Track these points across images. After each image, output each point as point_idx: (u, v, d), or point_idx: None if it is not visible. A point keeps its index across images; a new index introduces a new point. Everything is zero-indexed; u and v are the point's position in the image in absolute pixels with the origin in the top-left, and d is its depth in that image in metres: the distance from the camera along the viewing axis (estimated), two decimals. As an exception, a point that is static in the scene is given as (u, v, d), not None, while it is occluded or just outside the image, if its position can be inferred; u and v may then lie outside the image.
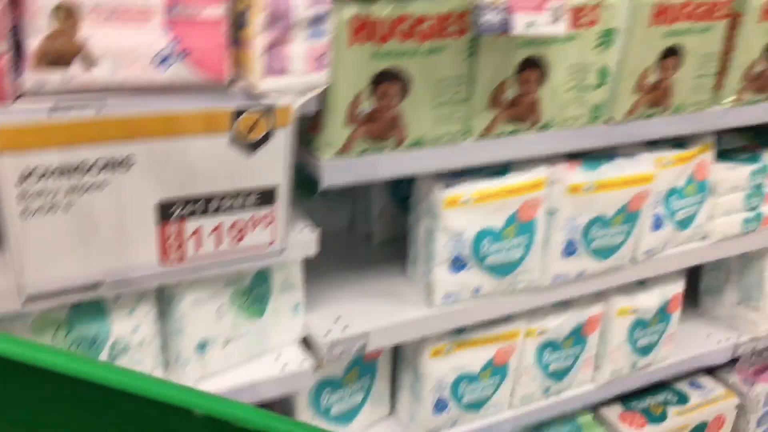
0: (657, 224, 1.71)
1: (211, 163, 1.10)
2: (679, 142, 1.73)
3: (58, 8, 0.93)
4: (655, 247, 1.74)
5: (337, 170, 1.24)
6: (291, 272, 1.38)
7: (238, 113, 1.07)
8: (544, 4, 1.19)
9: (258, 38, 1.04)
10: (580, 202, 1.53)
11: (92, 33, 0.96)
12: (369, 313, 1.47)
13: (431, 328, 1.51)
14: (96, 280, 1.11)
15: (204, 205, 1.14)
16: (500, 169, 1.49)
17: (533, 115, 1.40)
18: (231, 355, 1.33)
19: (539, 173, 1.49)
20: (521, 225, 1.49)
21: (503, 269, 1.51)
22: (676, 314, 1.93)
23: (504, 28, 1.16)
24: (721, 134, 1.95)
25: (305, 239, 1.29)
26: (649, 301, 1.86)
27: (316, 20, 1.07)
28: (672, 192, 1.71)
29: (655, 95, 1.52)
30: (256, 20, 1.03)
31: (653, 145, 1.69)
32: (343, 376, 1.57)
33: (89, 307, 1.17)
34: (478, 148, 1.37)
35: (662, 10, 1.43)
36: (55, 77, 0.95)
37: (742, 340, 2.11)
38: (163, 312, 1.25)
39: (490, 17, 1.14)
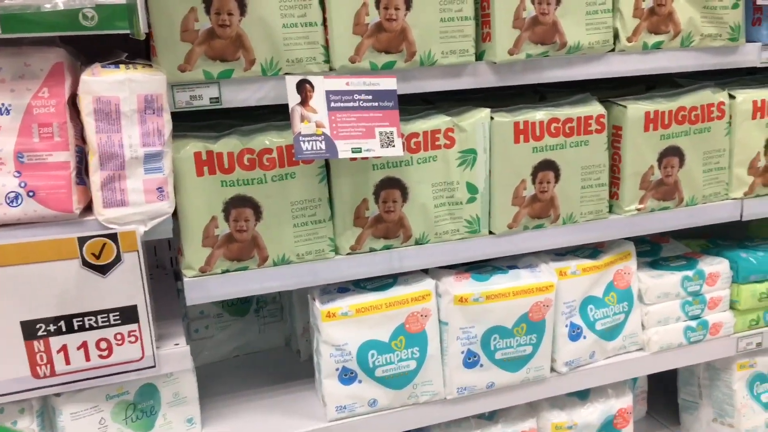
0: (575, 334, 1.65)
1: (67, 285, 1.22)
2: (595, 251, 1.70)
3: None
4: (578, 358, 1.67)
5: (199, 288, 1.33)
6: (182, 386, 1.44)
7: (83, 240, 1.20)
8: (372, 130, 1.28)
9: (94, 176, 1.18)
10: (470, 313, 1.52)
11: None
12: (264, 427, 1.48)
13: (327, 442, 1.50)
14: (-30, 393, 1.22)
15: (66, 323, 1.25)
16: (389, 282, 1.53)
17: (403, 230, 1.44)
18: (116, 468, 1.38)
19: (424, 286, 1.51)
20: (411, 336, 1.50)
21: (397, 381, 1.50)
22: (627, 430, 1.80)
23: (329, 154, 1.25)
24: (660, 242, 1.90)
25: (178, 354, 1.35)
26: (590, 415, 1.75)
27: (150, 158, 1.20)
28: (589, 301, 1.66)
29: (538, 207, 1.53)
30: (92, 161, 1.17)
31: (563, 255, 1.67)
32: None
33: (-25, 417, 1.28)
34: (349, 263, 1.42)
35: (525, 129, 1.47)
36: None
37: (723, 460, 1.91)
38: (49, 424, 1.33)
39: (312, 145, 1.24)
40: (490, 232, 1.53)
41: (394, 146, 1.31)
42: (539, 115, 1.49)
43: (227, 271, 1.35)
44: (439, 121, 1.43)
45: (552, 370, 1.66)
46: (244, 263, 1.35)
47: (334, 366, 1.46)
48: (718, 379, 1.91)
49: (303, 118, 1.23)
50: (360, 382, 1.48)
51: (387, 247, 1.45)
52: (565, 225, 1.58)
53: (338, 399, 1.48)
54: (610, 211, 1.63)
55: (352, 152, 1.27)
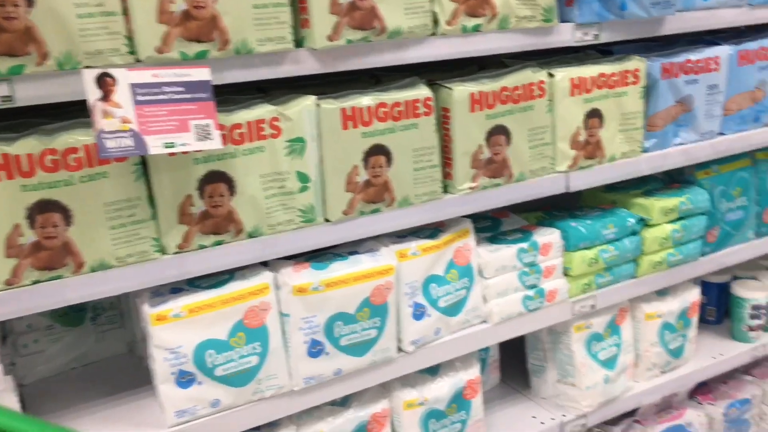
0: (419, 313, 1.67)
1: None
2: (435, 231, 1.72)
3: None
4: (424, 336, 1.69)
5: (6, 303, 1.21)
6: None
7: None
8: (186, 124, 1.21)
9: None
10: (311, 303, 1.49)
11: None
12: (98, 439, 1.40)
13: (170, 448, 1.43)
14: None
15: None
16: (226, 278, 1.47)
17: (233, 224, 1.39)
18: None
19: (261, 279, 1.46)
20: (251, 331, 1.45)
21: (240, 379, 1.45)
22: (476, 401, 1.85)
23: (138, 150, 1.17)
24: (500, 217, 1.95)
25: (-10, 375, 1.24)
26: (439, 390, 1.78)
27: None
28: (431, 280, 1.68)
29: (372, 192, 1.52)
30: None
31: (404, 237, 1.68)
32: (95, 508, 1.48)
33: None
34: (177, 263, 1.35)
35: (353, 115, 1.45)
36: None
37: (568, 418, 2.01)
38: None
39: (118, 142, 1.15)
40: (327, 220, 1.50)
41: (211, 139, 1.24)
42: (366, 100, 1.47)
43: (38, 281, 1.24)
44: (262, 111, 1.38)
45: (399, 350, 1.67)
46: (58, 272, 1.25)
47: (169, 370, 1.39)
48: (559, 342, 2.00)
49: (106, 114, 1.15)
50: (200, 383, 1.42)
51: (218, 243, 1.39)
52: (402, 208, 1.58)
53: (177, 403, 1.42)
54: (446, 191, 1.65)
55: (165, 147, 1.20)
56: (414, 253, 1.64)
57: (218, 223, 1.38)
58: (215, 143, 1.25)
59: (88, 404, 1.54)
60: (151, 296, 1.41)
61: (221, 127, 1.32)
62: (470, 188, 1.65)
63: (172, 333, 1.38)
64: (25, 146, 1.18)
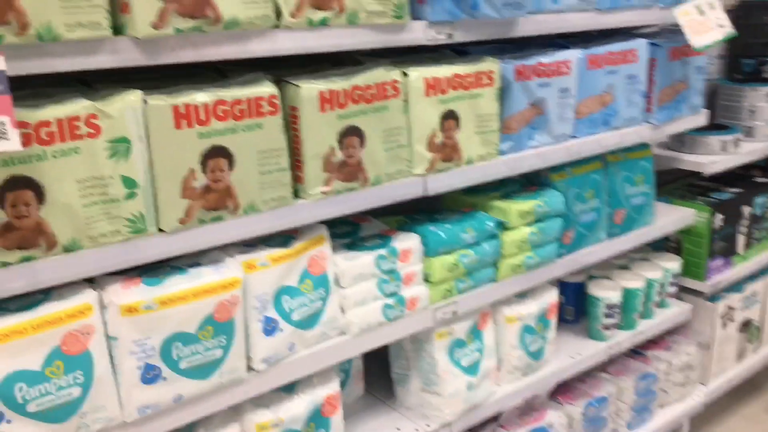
0: (270, 328, 1.54)
1: None
2: (288, 238, 1.60)
3: None
4: (277, 353, 1.56)
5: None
6: None
7: None
8: (-26, 119, 1.02)
9: None
10: (143, 323, 1.33)
11: None
12: None
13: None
14: None
15: None
16: (40, 298, 1.28)
17: (44, 238, 1.20)
18: None
19: (82, 298, 1.28)
20: (71, 359, 1.27)
21: (59, 414, 1.27)
22: (335, 418, 1.75)
23: None
24: (360, 222, 1.87)
25: None
26: (296, 408, 1.66)
27: None
28: (283, 291, 1.56)
29: (213, 198, 1.38)
30: None
31: (253, 246, 1.55)
32: None
33: None
34: (-28, 284, 1.15)
35: (188, 113, 1.31)
36: None
37: (432, 428, 1.95)
38: None
39: None
40: (160, 230, 1.35)
41: (7, 139, 1.06)
42: (202, 97, 1.33)
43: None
44: (76, 107, 1.20)
45: (249, 368, 1.54)
46: None
47: (-30, 409, 1.19)
48: (422, 350, 1.94)
49: None
50: (9, 421, 1.22)
51: (26, 259, 1.20)
52: (248, 215, 1.45)
53: (-20, 447, 1.21)
54: (297, 195, 1.54)
55: (-56, 148, 1.00)
56: (263, 264, 1.51)
57: (25, 236, 1.18)
58: (12, 144, 1.06)
59: None
60: (-58, 324, 1.20)
61: (22, 124, 1.14)
62: (323, 193, 1.55)
63: (-30, 366, 1.17)
64: None
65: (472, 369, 1.97)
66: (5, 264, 1.18)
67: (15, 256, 1.19)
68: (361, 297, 1.71)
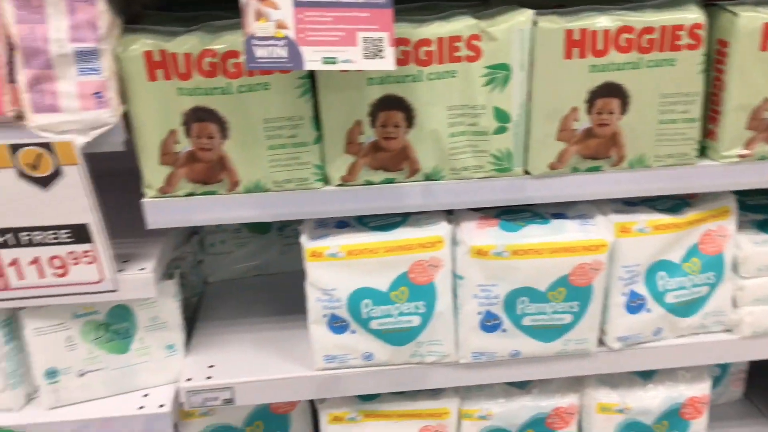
0: (635, 305, 1.29)
1: (7, 196, 1.08)
2: (680, 204, 1.30)
3: None
4: (637, 333, 1.32)
5: (160, 211, 1.14)
6: (161, 311, 1.29)
7: (15, 148, 1.03)
8: (354, 35, 0.97)
9: (20, 75, 1.00)
10: (491, 269, 1.21)
11: None
12: (245, 365, 1.32)
13: (313, 392, 1.31)
14: (-74, 300, 1.15)
15: (14, 237, 1.12)
16: (397, 221, 1.26)
17: (408, 162, 1.15)
18: (89, 387, 1.29)
19: (436, 230, 1.22)
20: (416, 288, 1.23)
21: (397, 337, 1.26)
22: (696, 423, 1.44)
23: (291, 63, 0.97)
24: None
25: (141, 280, 1.19)
26: (649, 401, 1.41)
27: (82, 56, 0.99)
28: (659, 266, 1.29)
29: (594, 144, 1.16)
30: (16, 57, 0.99)
31: (635, 206, 1.29)
32: (243, 427, 1.43)
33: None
34: (338, 197, 1.16)
35: (582, 40, 1.08)
36: None
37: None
38: (17, 336, 1.25)
39: (270, 51, 0.96)
40: (526, 173, 1.19)
41: (382, 57, 0.99)
42: (604, 21, 1.08)
43: (192, 194, 1.14)
44: (460, 25, 1.08)
45: (601, 343, 1.33)
46: (212, 187, 1.14)
47: (322, 312, 1.24)
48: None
49: (259, 16, 0.95)
50: (353, 332, 1.25)
51: (388, 181, 1.17)
52: (633, 169, 1.19)
53: (327, 348, 1.27)
54: (702, 154, 1.21)
55: (324, 63, 0.98)
56: (641, 230, 1.25)
57: (390, 158, 1.14)
58: (386, 63, 0.99)
59: (255, 319, 1.47)
60: (314, 227, 1.26)
61: (403, 42, 1.06)
62: (740, 156, 1.19)
63: (327, 273, 1.21)
64: (184, 44, 1.05)
65: None
66: (369, 183, 1.16)
67: (379, 177, 1.16)
68: (765, 293, 1.32)
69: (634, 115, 1.14)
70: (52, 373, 1.25)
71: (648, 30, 1.09)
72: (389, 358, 1.28)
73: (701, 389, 1.42)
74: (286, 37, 0.96)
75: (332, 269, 1.21)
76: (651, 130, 1.16)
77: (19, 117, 1.04)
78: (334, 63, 0.98)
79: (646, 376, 1.44)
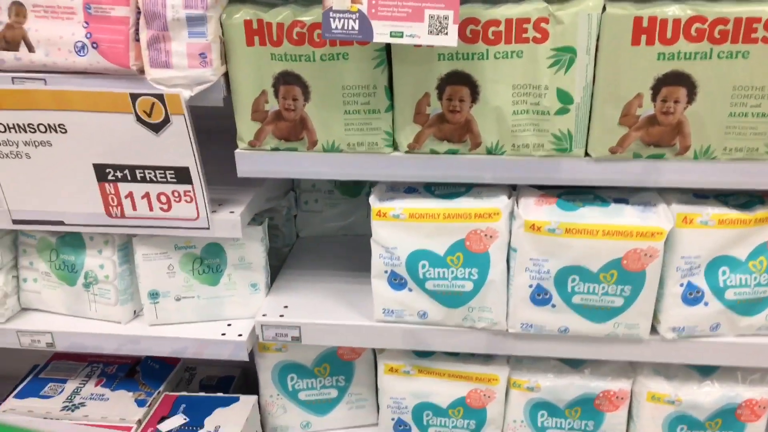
0: (692, 298, 1.29)
1: (127, 137, 1.27)
2: (753, 200, 1.28)
3: (10, 6, 1.21)
4: (693, 326, 1.31)
5: (248, 162, 1.29)
6: (248, 252, 1.46)
7: (135, 97, 1.22)
8: (421, 12, 1.06)
9: (142, 34, 1.17)
10: (543, 244, 1.26)
11: (32, 26, 1.21)
12: (315, 310, 1.45)
13: (371, 341, 1.42)
14: (59, 218, 1.38)
15: (131, 173, 1.31)
16: (461, 191, 1.33)
17: (470, 135, 1.22)
18: (183, 311, 1.48)
19: (495, 203, 1.28)
20: (470, 255, 1.30)
21: (451, 299, 1.34)
22: (752, 427, 1.41)
23: (361, 35, 1.07)
24: None
25: (230, 222, 1.36)
26: (703, 397, 1.40)
27: (192, 21, 1.15)
28: (723, 261, 1.27)
29: (657, 132, 1.17)
30: (141, 19, 1.17)
31: (704, 198, 1.29)
32: (312, 366, 1.57)
33: (71, 239, 1.45)
34: (405, 163, 1.26)
35: (651, 27, 1.10)
36: (9, 57, 1.24)
37: None
38: (130, 260, 1.46)
39: (344, 23, 1.07)
40: (587, 154, 1.22)
41: (446, 34, 1.07)
42: (675, 9, 1.09)
43: (276, 149, 1.28)
44: (529, 8, 1.13)
45: (654, 331, 1.34)
46: (293, 144, 1.27)
47: (383, 268, 1.35)
48: None
49: (337, -9, 1.07)
50: (410, 290, 1.35)
51: (452, 152, 1.24)
52: (697, 160, 1.19)
53: (385, 302, 1.38)
54: (777, 151, 1.19)
55: (391, 36, 1.07)
56: (704, 222, 1.24)
57: (454, 130, 1.22)
58: (450, 40, 1.07)
59: (334, 272, 1.60)
60: (384, 190, 1.36)
61: (473, 21, 1.13)
62: (818, 156, 1.15)
63: (390, 232, 1.32)
64: (278, 14, 1.18)
65: None
66: (433, 152, 1.25)
67: (443, 147, 1.24)
68: (839, 303, 1.27)
69: (702, 105, 1.14)
70: (154, 295, 1.45)
71: (721, 21, 1.09)
72: (442, 318, 1.37)
73: (762, 392, 1.39)
74: (359, 11, 1.07)
75: (394, 229, 1.31)
76: (719, 121, 1.15)
77: (140, 70, 1.22)
78: (400, 37, 1.07)
79: (705, 372, 1.42)
